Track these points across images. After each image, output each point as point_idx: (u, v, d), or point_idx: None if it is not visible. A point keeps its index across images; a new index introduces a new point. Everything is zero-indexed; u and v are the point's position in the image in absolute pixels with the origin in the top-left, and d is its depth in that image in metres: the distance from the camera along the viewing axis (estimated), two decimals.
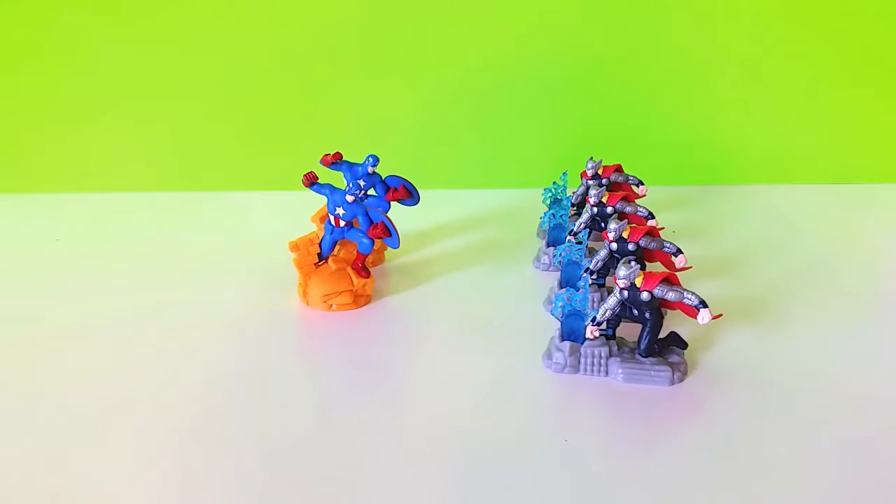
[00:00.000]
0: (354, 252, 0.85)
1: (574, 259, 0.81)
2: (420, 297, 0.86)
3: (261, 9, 1.11)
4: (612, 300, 0.69)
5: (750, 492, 0.56)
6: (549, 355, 0.72)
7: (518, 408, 0.66)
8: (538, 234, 1.02)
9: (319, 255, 0.85)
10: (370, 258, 0.88)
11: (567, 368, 0.70)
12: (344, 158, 0.88)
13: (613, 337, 0.72)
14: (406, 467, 0.59)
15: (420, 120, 1.18)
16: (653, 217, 0.84)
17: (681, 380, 0.69)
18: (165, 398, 0.67)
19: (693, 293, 0.67)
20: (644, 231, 0.77)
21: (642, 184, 0.96)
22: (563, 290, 0.72)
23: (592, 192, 0.87)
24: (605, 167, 0.96)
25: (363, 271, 0.83)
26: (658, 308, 0.69)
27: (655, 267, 0.79)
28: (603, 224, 0.87)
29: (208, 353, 0.75)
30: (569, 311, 0.71)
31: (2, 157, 1.18)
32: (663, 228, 0.82)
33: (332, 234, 0.84)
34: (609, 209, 0.86)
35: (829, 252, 0.97)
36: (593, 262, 0.80)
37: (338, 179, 0.88)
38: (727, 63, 1.16)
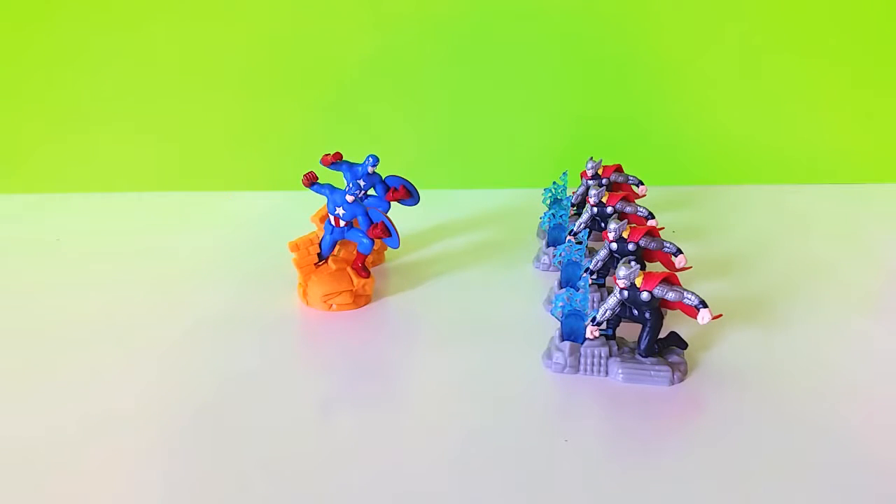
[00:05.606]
0: (354, 252, 0.85)
1: (574, 259, 0.81)
2: (420, 297, 0.86)
3: (261, 9, 1.11)
4: (612, 300, 0.69)
5: (750, 492, 0.56)
6: (549, 355, 0.72)
7: (518, 408, 0.66)
8: (538, 234, 1.02)
9: (319, 255, 0.85)
10: (370, 258, 0.88)
11: (567, 368, 0.70)
12: (344, 158, 0.88)
13: (613, 337, 0.72)
14: (406, 467, 0.59)
15: (420, 120, 1.18)
16: (653, 217, 0.84)
17: (681, 380, 0.69)
18: (165, 398, 0.67)
19: (693, 293, 0.67)
20: (644, 231, 0.77)
21: (642, 184, 0.96)
22: (563, 290, 0.72)
23: (592, 192, 0.87)
24: (605, 167, 0.96)
25: (363, 271, 0.83)
26: (658, 308, 0.69)
27: (655, 267, 0.79)
28: (603, 224, 0.87)
29: (208, 353, 0.75)
30: (569, 311, 0.71)
31: (2, 157, 1.18)
32: (663, 228, 0.82)
33: (332, 234, 0.84)
34: (609, 209, 0.86)
35: (829, 252, 0.97)
36: (593, 262, 0.80)
37: (338, 179, 0.88)
38: (727, 63, 1.16)
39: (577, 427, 0.63)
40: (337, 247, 0.88)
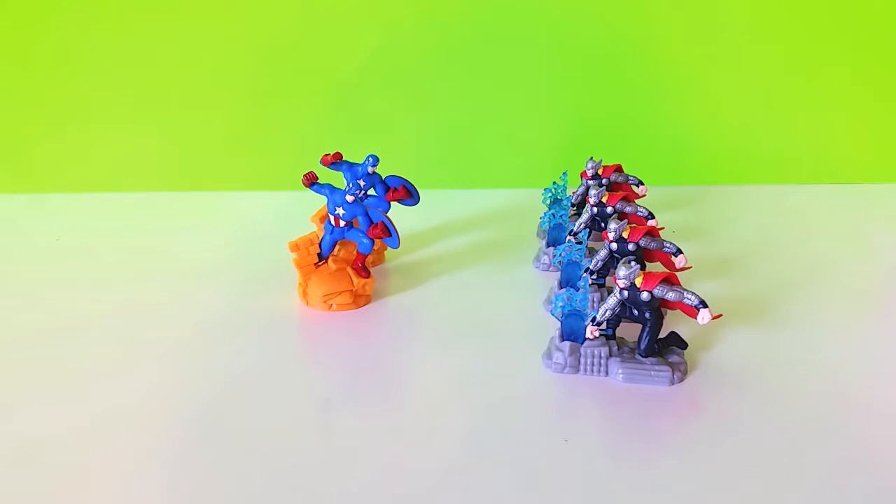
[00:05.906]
0: (354, 252, 0.85)
1: (574, 259, 0.81)
2: (420, 297, 0.86)
3: (261, 8, 1.11)
4: (612, 300, 0.69)
5: (749, 492, 0.56)
6: (549, 355, 0.72)
7: (518, 408, 0.66)
8: (538, 234, 1.02)
9: (319, 255, 0.85)
10: (370, 258, 0.88)
11: (567, 368, 0.70)
12: (344, 158, 0.88)
13: (613, 337, 0.72)
14: (406, 467, 0.59)
15: (420, 120, 1.18)
16: (653, 217, 0.84)
17: (681, 380, 0.69)
18: (164, 398, 0.67)
19: (693, 293, 0.67)
20: (644, 231, 0.77)
21: (642, 184, 0.96)
22: (563, 290, 0.72)
23: (592, 192, 0.87)
24: (605, 167, 0.96)
25: (363, 271, 0.83)
26: (658, 308, 0.69)
27: (655, 267, 0.79)
28: (603, 224, 0.87)
29: (208, 353, 0.75)
30: (569, 311, 0.71)
31: (2, 157, 1.18)
32: (663, 228, 0.82)
33: (332, 234, 0.84)
34: (609, 209, 0.86)
35: (829, 252, 0.97)
36: (593, 262, 0.80)
37: (338, 179, 0.88)
38: (727, 63, 1.16)
39: (577, 427, 0.63)
40: (337, 247, 0.88)
